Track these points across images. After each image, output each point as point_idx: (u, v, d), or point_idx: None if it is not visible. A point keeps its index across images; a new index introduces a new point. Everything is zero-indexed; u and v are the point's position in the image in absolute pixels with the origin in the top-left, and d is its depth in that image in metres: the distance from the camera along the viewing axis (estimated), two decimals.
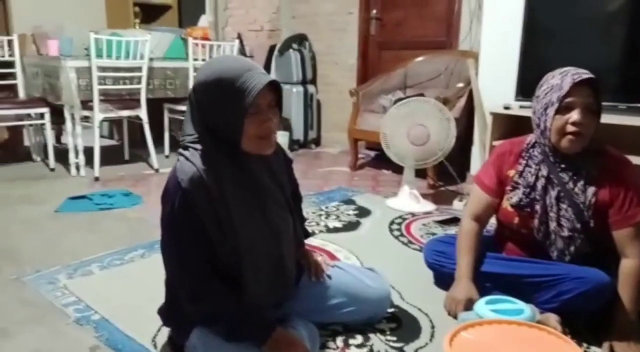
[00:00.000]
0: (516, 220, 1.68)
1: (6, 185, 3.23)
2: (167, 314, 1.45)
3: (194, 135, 1.29)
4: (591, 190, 1.56)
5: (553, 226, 1.60)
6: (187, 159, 1.26)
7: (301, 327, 1.43)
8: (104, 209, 2.76)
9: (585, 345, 1.52)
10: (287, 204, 1.45)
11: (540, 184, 1.62)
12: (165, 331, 1.52)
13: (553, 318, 1.53)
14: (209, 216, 1.24)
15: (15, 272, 1.95)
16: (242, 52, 4.53)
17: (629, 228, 1.53)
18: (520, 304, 1.45)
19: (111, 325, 1.60)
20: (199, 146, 1.27)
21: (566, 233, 1.58)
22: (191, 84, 3.68)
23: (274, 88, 1.27)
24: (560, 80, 1.53)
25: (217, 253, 1.27)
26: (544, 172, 1.62)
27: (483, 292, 1.61)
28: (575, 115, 1.50)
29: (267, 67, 4.81)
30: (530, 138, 1.70)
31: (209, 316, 1.30)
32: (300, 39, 4.73)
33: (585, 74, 1.51)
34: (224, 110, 1.23)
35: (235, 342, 1.27)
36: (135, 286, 1.88)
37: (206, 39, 4.21)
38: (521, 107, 2.84)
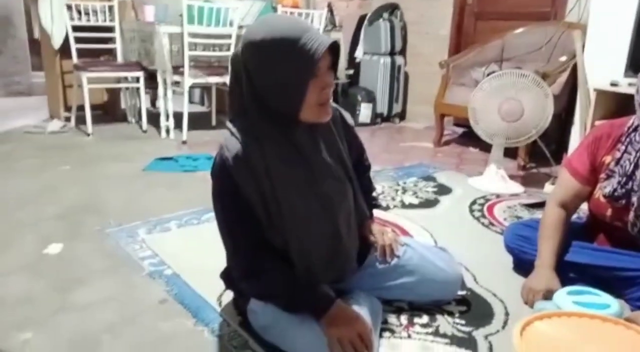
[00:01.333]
0: (609, 212, 1.50)
1: (102, 144, 3.45)
2: (228, 278, 1.44)
3: (239, 106, 1.21)
4: None
5: None
6: (232, 133, 1.20)
7: (363, 301, 1.38)
8: (188, 171, 2.86)
9: None
10: (346, 175, 1.35)
11: (639, 174, 1.42)
12: (230, 291, 1.54)
13: None
14: (254, 193, 1.19)
15: (99, 224, 2.08)
16: (332, 21, 4.45)
17: None
18: (606, 298, 1.30)
19: (181, 280, 1.65)
20: (245, 119, 1.20)
21: None
22: None
23: (331, 50, 1.17)
24: None
25: (267, 231, 1.24)
26: None
27: (565, 283, 1.47)
28: None
29: (356, 37, 4.71)
30: (632, 120, 1.49)
31: (262, 292, 1.28)
32: (391, 8, 4.56)
33: None
34: (284, 74, 1.13)
35: (293, 313, 1.25)
36: (208, 245, 1.89)
37: (296, 6, 4.18)
38: (630, 84, 2.54)
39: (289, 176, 1.22)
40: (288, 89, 1.14)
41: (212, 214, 2.13)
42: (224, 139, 1.21)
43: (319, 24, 3.87)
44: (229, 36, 3.53)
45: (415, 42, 4.60)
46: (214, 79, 3.64)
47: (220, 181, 1.22)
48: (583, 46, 2.98)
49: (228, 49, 3.57)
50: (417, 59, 4.59)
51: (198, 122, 4.01)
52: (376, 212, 1.62)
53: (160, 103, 3.63)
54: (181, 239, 1.99)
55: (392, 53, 4.46)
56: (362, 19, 4.71)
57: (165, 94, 3.56)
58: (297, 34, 1.12)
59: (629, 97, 2.47)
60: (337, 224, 1.31)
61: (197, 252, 1.86)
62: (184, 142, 3.50)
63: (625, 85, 2.55)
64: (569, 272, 1.51)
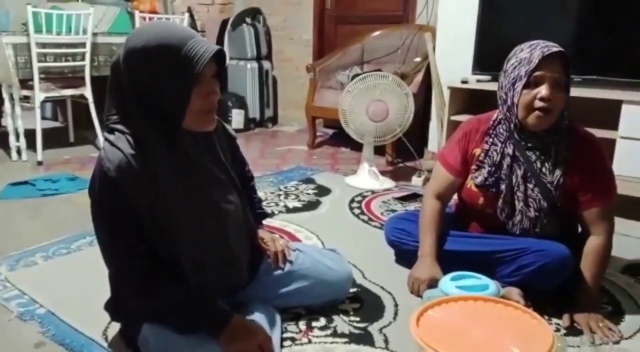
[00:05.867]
0: (481, 200, 1.65)
1: None
2: (113, 308, 1.34)
3: (118, 115, 1.15)
4: (559, 170, 1.53)
5: (519, 205, 1.58)
6: (112, 144, 1.12)
7: (260, 312, 1.37)
8: (48, 195, 2.60)
9: (546, 317, 1.53)
10: (232, 186, 1.34)
11: (506, 163, 1.58)
12: (117, 323, 1.43)
13: (515, 292, 1.53)
14: (140, 206, 1.13)
15: None
16: (193, 26, 4.34)
17: (596, 208, 1.53)
18: (484, 279, 1.44)
19: (57, 319, 1.49)
20: (125, 128, 1.13)
21: (532, 213, 1.57)
22: None
23: (216, 59, 1.16)
24: (528, 53, 1.47)
25: (156, 244, 1.18)
26: (510, 150, 1.57)
27: (446, 270, 1.59)
28: (543, 90, 1.44)
29: (220, 43, 4.64)
30: (496, 114, 1.64)
31: (157, 312, 1.21)
32: (253, 13, 4.57)
33: (555, 47, 1.45)
34: (167, 81, 1.10)
35: (189, 334, 1.19)
36: (83, 276, 1.76)
37: (154, 12, 4.01)
38: (478, 80, 2.83)
39: (178, 185, 1.18)
40: (171, 95, 1.11)
41: (84, 241, 2.02)
42: (103, 151, 1.13)
43: None
44: (83, 45, 3.28)
45: (281, 47, 4.67)
46: (69, 92, 3.36)
47: (102, 196, 1.13)
48: (434, 47, 3.25)
49: (82, 59, 3.31)
50: (284, 63, 4.67)
51: (54, 139, 3.68)
52: (264, 221, 1.62)
53: (7, 121, 3.25)
54: (51, 272, 1.80)
55: (258, 58, 4.48)
56: (224, 24, 4.66)
57: (13, 111, 3.20)
58: (181, 40, 1.10)
59: (479, 92, 2.76)
60: (228, 234, 1.30)
61: (72, 285, 1.70)
62: (40, 163, 3.18)
63: (474, 82, 2.83)
64: (448, 260, 1.63)
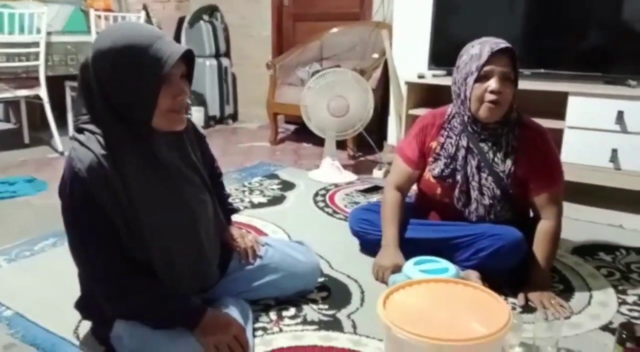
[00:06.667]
0: (438, 190, 1.73)
1: None
2: (84, 306, 1.35)
3: (88, 115, 1.16)
4: (510, 160, 1.63)
5: (474, 194, 1.67)
6: (81, 143, 1.13)
7: (232, 305, 1.40)
8: (5, 198, 2.54)
9: (502, 297, 1.62)
10: (203, 184, 1.37)
11: (461, 154, 1.67)
12: (87, 322, 1.44)
13: (473, 274, 1.62)
14: (112, 207, 1.14)
15: None
16: (149, 24, 4.28)
17: (545, 194, 1.64)
18: (444, 263, 1.52)
19: (26, 320, 1.49)
20: (95, 128, 1.15)
21: (487, 200, 1.66)
22: None
23: (185, 59, 1.18)
24: (479, 49, 1.56)
25: (128, 245, 1.19)
26: (464, 142, 1.66)
27: (408, 257, 1.67)
28: (493, 84, 1.54)
29: (177, 40, 4.57)
30: (450, 109, 1.73)
31: (130, 311, 1.22)
32: (210, 10, 4.55)
33: (503, 44, 1.55)
34: (134, 81, 1.12)
35: (164, 329, 1.21)
36: (49, 277, 1.75)
37: (109, 10, 3.94)
38: (434, 75, 2.93)
39: (148, 185, 1.19)
40: (140, 95, 1.13)
41: (47, 243, 2.00)
42: (72, 151, 1.14)
43: None
44: (37, 44, 3.20)
45: (239, 44, 4.67)
46: (23, 92, 3.27)
47: (73, 196, 1.13)
48: (391, 44, 3.34)
49: (36, 58, 3.23)
50: (243, 60, 4.67)
51: (7, 141, 3.57)
52: (233, 217, 1.65)
53: None
54: (15, 275, 1.78)
55: (217, 55, 4.47)
56: (181, 21, 4.62)
57: None
58: (149, 40, 1.11)
59: (435, 87, 2.86)
60: (198, 232, 1.32)
61: (38, 286, 1.69)
62: None
63: (430, 77, 2.92)
64: (410, 247, 1.70)
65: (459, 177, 1.68)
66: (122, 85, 1.13)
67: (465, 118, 1.64)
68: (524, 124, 1.67)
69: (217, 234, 1.44)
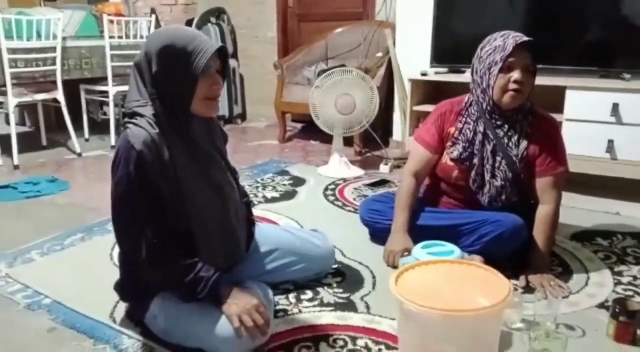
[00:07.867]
0: (455, 173, 1.85)
1: None
2: (122, 289, 1.48)
3: (140, 100, 1.32)
4: (523, 144, 1.76)
5: (488, 176, 1.79)
6: (135, 124, 1.29)
7: (255, 286, 1.52)
8: (31, 197, 2.67)
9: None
10: (228, 169, 1.52)
11: (478, 139, 1.79)
12: (122, 306, 1.56)
13: (477, 258, 1.72)
14: (160, 177, 1.29)
15: None
16: (158, 27, 4.40)
17: (549, 177, 1.76)
18: (449, 246, 1.64)
19: (64, 307, 1.60)
20: (144, 112, 1.31)
21: (499, 182, 1.78)
22: (109, 63, 3.59)
23: (220, 56, 1.36)
24: (502, 41, 1.68)
25: (171, 215, 1.33)
26: (481, 127, 1.78)
27: (416, 243, 1.78)
28: (516, 74, 1.67)
29: None
30: (467, 97, 1.85)
31: (167, 280, 1.35)
32: (217, 12, 4.66)
33: (525, 37, 1.67)
34: (177, 72, 1.29)
35: (194, 301, 1.33)
36: (80, 268, 1.88)
37: (119, 14, 4.06)
38: (436, 72, 3.04)
39: (187, 163, 1.35)
40: (182, 84, 1.30)
41: (75, 237, 2.13)
42: (128, 131, 1.29)
43: (148, 32, 3.83)
44: (53, 49, 3.33)
45: (246, 46, 4.78)
46: (41, 96, 3.40)
47: (126, 168, 1.27)
48: (394, 42, 3.45)
49: (53, 63, 3.36)
50: (250, 61, 4.78)
51: (26, 143, 3.68)
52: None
53: None
54: (48, 267, 1.90)
55: None
56: (188, 24, 4.73)
57: None
58: (190, 39, 1.30)
59: (438, 83, 2.97)
60: (229, 210, 1.46)
61: (70, 277, 1.81)
62: (16, 167, 3.22)
63: (433, 74, 3.03)
64: (418, 234, 1.81)
65: (475, 160, 1.80)
66: (167, 76, 1.30)
67: (484, 105, 1.75)
68: (537, 113, 1.80)
69: (243, 217, 1.57)
